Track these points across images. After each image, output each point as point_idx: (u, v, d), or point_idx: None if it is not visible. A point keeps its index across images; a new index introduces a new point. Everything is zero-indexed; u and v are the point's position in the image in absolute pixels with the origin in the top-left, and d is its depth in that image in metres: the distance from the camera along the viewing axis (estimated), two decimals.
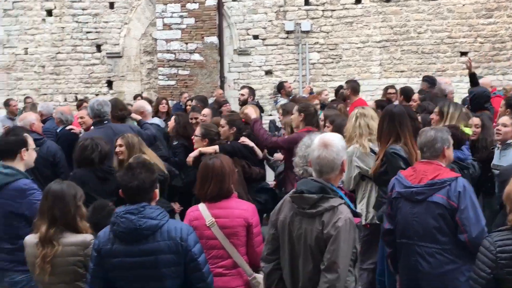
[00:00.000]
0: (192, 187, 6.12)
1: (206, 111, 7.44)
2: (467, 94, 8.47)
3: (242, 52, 14.35)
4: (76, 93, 14.41)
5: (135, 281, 3.27)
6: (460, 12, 13.98)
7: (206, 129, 6.10)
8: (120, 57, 14.46)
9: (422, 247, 3.96)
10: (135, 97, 13.39)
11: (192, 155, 5.95)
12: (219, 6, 13.82)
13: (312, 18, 14.21)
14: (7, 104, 11.63)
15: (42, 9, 14.44)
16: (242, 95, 9.97)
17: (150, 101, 9.28)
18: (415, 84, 13.69)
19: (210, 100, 12.62)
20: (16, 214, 4.23)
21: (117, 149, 5.52)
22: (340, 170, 3.34)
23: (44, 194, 3.67)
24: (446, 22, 14.03)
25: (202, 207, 3.92)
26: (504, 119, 5.70)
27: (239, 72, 14.47)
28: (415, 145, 4.85)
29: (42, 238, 3.49)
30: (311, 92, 11.23)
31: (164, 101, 9.85)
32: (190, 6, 13.49)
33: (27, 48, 14.48)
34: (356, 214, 3.31)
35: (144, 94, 13.88)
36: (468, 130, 5.55)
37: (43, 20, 14.44)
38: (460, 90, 11.92)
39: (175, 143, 6.91)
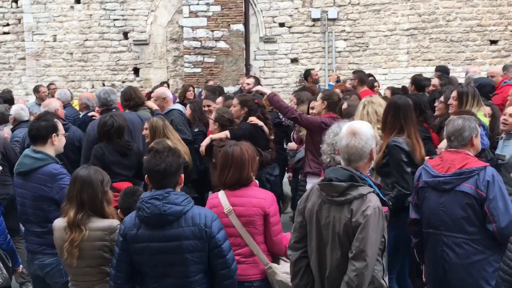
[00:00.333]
0: (205, 175, 6.14)
1: (219, 99, 7.48)
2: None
3: (268, 40, 14.30)
4: (103, 80, 14.54)
5: (159, 266, 3.31)
6: (491, 0, 13.72)
7: (218, 113, 6.13)
8: (147, 44, 14.53)
9: (449, 237, 3.92)
10: (161, 85, 13.48)
11: (204, 143, 6.00)
12: None
13: (339, 6, 14.09)
14: (36, 90, 11.78)
15: None
16: (248, 84, 10.01)
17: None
18: None
19: (236, 88, 12.69)
20: (46, 198, 4.29)
21: (143, 132, 5.93)
22: (369, 159, 3.31)
23: (72, 179, 3.72)
24: (476, 10, 13.78)
25: (221, 194, 3.93)
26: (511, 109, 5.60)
27: (264, 60, 14.43)
28: (419, 138, 4.86)
29: (70, 223, 3.55)
30: (338, 80, 11.16)
31: (191, 88, 9.94)
32: None
33: (55, 35, 14.63)
34: (384, 203, 3.30)
35: (170, 82, 13.99)
36: (484, 118, 5.49)
37: (71, 7, 14.56)
38: None
39: (195, 130, 6.98)
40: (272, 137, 6.43)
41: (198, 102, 7.82)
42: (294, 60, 14.35)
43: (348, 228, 3.16)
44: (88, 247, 3.55)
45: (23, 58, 14.86)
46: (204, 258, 3.31)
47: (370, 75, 11.35)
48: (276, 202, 4.04)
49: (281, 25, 14.27)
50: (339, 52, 14.25)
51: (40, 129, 4.44)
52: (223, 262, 3.35)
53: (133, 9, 14.48)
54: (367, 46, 14.13)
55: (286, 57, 14.36)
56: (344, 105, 6.15)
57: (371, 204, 3.15)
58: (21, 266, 4.67)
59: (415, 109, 5.75)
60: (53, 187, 4.26)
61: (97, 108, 7.04)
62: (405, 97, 5.30)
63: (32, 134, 4.51)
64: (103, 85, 14.09)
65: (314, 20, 14.17)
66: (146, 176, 3.45)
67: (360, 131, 3.28)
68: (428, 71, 12.55)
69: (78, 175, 3.65)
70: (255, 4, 14.20)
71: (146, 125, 5.96)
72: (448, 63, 13.77)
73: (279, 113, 7.51)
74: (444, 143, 4.93)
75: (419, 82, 8.51)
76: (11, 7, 14.94)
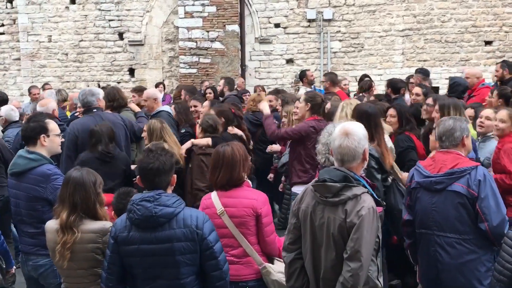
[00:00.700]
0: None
1: (205, 103, 7.49)
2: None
3: (263, 41, 14.30)
4: (99, 81, 14.52)
5: (151, 268, 3.30)
6: (485, 1, 13.75)
7: (204, 118, 6.11)
8: (142, 45, 14.51)
9: (442, 237, 3.94)
10: (156, 85, 13.47)
11: (185, 146, 5.97)
12: None
13: (334, 7, 14.10)
14: (28, 91, 11.76)
15: None
16: (219, 85, 10.05)
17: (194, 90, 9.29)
18: (438, 73, 13.63)
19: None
20: (40, 199, 4.28)
21: (143, 134, 5.99)
22: (362, 159, 3.31)
23: (64, 181, 3.70)
24: (471, 11, 13.81)
25: (214, 195, 3.93)
26: (488, 112, 5.62)
27: (260, 61, 14.43)
28: (387, 147, 4.91)
29: (63, 225, 3.53)
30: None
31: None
32: None
33: (50, 36, 14.59)
34: (378, 203, 3.30)
35: (166, 82, 13.98)
36: (473, 131, 5.52)
37: (67, 8, 14.53)
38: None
39: (182, 131, 6.99)
40: (251, 147, 6.39)
41: (182, 103, 7.83)
42: (290, 61, 14.36)
43: (343, 229, 3.17)
44: (81, 249, 3.54)
45: (18, 59, 14.82)
46: (196, 259, 3.31)
47: (366, 75, 11.39)
48: (268, 203, 4.02)
49: (277, 25, 14.27)
50: (335, 52, 14.26)
51: (28, 130, 4.44)
52: (215, 263, 3.35)
53: (128, 10, 14.47)
54: (362, 47, 14.15)
55: (282, 57, 14.36)
56: (328, 105, 6.15)
57: (365, 205, 3.16)
58: (14, 267, 4.66)
59: (399, 119, 5.82)
60: (46, 188, 4.25)
61: (78, 109, 7.00)
62: (374, 106, 5.32)
63: (23, 135, 4.54)
64: (98, 85, 14.06)
65: (310, 20, 14.18)
66: (138, 176, 3.44)
67: (353, 132, 3.28)
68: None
69: (70, 176, 3.64)
70: (250, 5, 14.20)
71: (144, 127, 6.01)
72: (443, 64, 13.82)
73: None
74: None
75: (395, 85, 8.68)
76: (6, 7, 14.90)
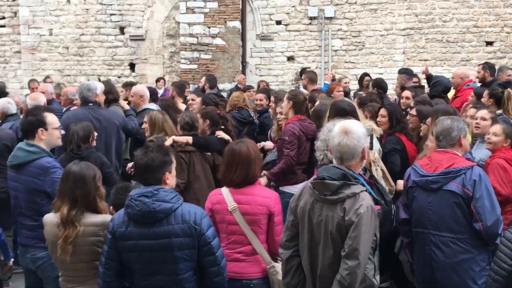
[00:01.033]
0: None
1: (198, 99, 7.46)
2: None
3: (264, 38, 14.31)
4: (99, 75, 14.51)
5: (149, 263, 3.29)
6: (487, 1, 13.76)
7: (181, 116, 6.04)
8: (143, 40, 14.51)
9: (437, 236, 3.96)
10: (157, 81, 13.48)
11: (167, 143, 5.84)
12: None
13: (336, 5, 14.10)
14: (28, 85, 11.76)
15: None
16: (200, 82, 10.09)
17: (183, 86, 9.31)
18: (439, 73, 13.56)
19: (232, 85, 12.69)
20: (39, 191, 4.29)
21: (143, 125, 6.00)
22: (360, 157, 3.31)
23: (64, 175, 3.69)
24: (473, 11, 13.82)
25: (225, 191, 3.91)
26: (483, 112, 5.55)
27: (261, 58, 14.44)
28: None
29: (64, 220, 3.53)
30: (333, 79, 11.17)
31: (187, 85, 9.98)
32: None
33: (51, 29, 14.59)
34: (377, 202, 3.30)
35: (166, 78, 13.98)
36: (469, 137, 5.48)
37: (68, 1, 14.53)
38: None
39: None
40: None
41: (167, 99, 7.82)
42: (291, 58, 14.36)
43: (341, 227, 3.16)
44: (82, 243, 3.54)
45: (19, 52, 14.82)
46: (194, 255, 3.31)
47: (366, 74, 11.39)
48: (280, 202, 4.00)
49: (278, 22, 14.28)
50: (336, 50, 14.26)
51: (26, 124, 4.46)
52: (212, 259, 3.34)
53: (130, 4, 14.46)
54: (364, 45, 14.15)
55: (283, 55, 14.37)
56: (317, 104, 6.14)
57: (364, 203, 3.16)
58: (12, 260, 4.68)
59: (389, 119, 5.82)
60: (45, 181, 4.26)
61: (76, 101, 7.02)
62: (351, 103, 5.30)
63: (22, 129, 4.56)
64: (99, 80, 14.06)
65: (311, 18, 14.18)
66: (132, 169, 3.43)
67: (353, 130, 3.28)
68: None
69: (70, 171, 3.63)
70: (252, 1, 14.20)
71: (145, 119, 6.00)
72: (444, 64, 13.83)
73: (251, 112, 7.69)
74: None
75: (381, 84, 8.77)
76: (7, 0, 14.88)
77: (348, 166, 3.28)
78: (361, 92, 9.26)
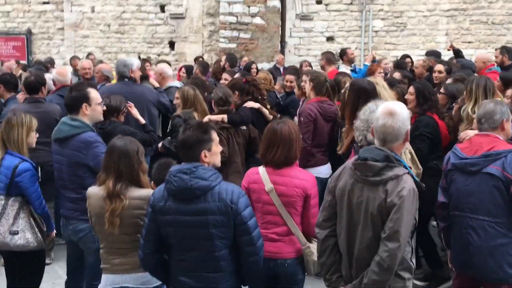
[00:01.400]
0: None
1: (226, 76, 7.53)
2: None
3: (304, 17, 14.19)
4: (139, 53, 14.65)
5: (185, 239, 3.33)
6: None
7: (215, 91, 6.10)
8: (183, 18, 14.55)
9: (474, 219, 3.90)
10: (195, 59, 13.55)
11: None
12: None
13: None
14: (70, 62, 11.97)
15: None
16: (221, 61, 10.14)
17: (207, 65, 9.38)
18: None
19: (270, 65, 12.64)
20: (81, 165, 4.38)
21: (174, 101, 6.06)
22: (403, 140, 3.29)
23: (108, 150, 3.75)
24: None
25: (262, 171, 3.90)
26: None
27: (300, 38, 14.34)
28: None
29: (110, 193, 3.59)
30: (374, 61, 11.02)
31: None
32: None
33: (93, 7, 14.77)
34: (417, 185, 3.27)
35: (205, 57, 14.02)
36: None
37: None
38: None
39: None
40: (271, 117, 6.24)
41: (196, 77, 7.84)
42: (330, 39, 14.22)
43: (382, 209, 3.15)
44: (127, 216, 3.61)
45: (62, 29, 15.06)
46: (229, 233, 3.32)
47: (407, 56, 11.20)
48: (317, 185, 3.98)
49: (318, 2, 14.13)
50: (376, 31, 14.06)
51: (70, 100, 4.54)
52: (248, 239, 3.35)
53: None
54: (405, 26, 13.90)
55: (322, 35, 14.24)
56: (347, 85, 6.07)
57: (407, 185, 3.13)
58: (54, 231, 4.82)
59: (417, 97, 5.60)
60: (88, 154, 4.35)
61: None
62: (371, 82, 5.12)
63: (65, 104, 4.63)
64: (139, 57, 14.22)
65: None
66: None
67: (398, 112, 3.24)
68: (467, 54, 12.28)
69: (114, 145, 3.69)
70: None
71: (177, 94, 6.04)
72: (488, 46, 13.47)
73: (277, 93, 7.70)
74: (468, 132, 4.86)
75: (402, 65, 8.95)
76: None
77: (390, 148, 3.25)
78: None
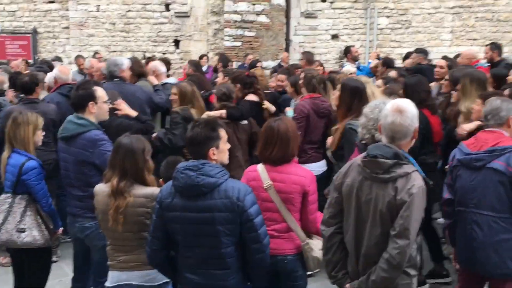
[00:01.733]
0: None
1: (220, 75, 7.54)
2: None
3: (309, 15, 14.18)
4: (145, 51, 14.69)
5: (191, 235, 3.34)
6: None
7: (218, 87, 6.13)
8: (188, 16, 14.57)
9: (478, 215, 3.91)
10: (200, 57, 13.58)
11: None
12: None
13: None
14: (76, 60, 12.01)
15: None
16: (214, 61, 10.12)
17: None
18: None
19: (275, 63, 12.66)
20: (87, 163, 4.39)
21: (171, 96, 6.03)
22: (411, 137, 3.29)
23: (114, 147, 3.78)
24: None
25: (261, 168, 3.92)
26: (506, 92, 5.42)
27: (305, 36, 14.33)
28: None
29: (114, 190, 3.62)
30: (378, 58, 11.03)
31: (229, 63, 10.08)
32: None
33: (99, 5, 14.80)
34: (426, 182, 3.28)
35: (210, 55, 14.04)
36: None
37: None
38: None
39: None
40: (274, 108, 6.32)
41: (193, 75, 7.81)
42: (335, 36, 14.21)
43: (392, 206, 3.14)
44: (131, 213, 3.63)
45: (67, 27, 15.10)
46: (236, 230, 3.33)
47: (411, 53, 11.18)
48: (315, 181, 4.00)
49: (323, 0, 14.11)
50: (381, 29, 14.04)
51: (77, 98, 4.56)
52: (255, 236, 3.36)
53: None
54: (410, 24, 13.88)
55: (327, 33, 14.23)
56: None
57: (416, 183, 3.13)
58: (61, 228, 4.84)
59: (405, 92, 5.53)
60: (94, 152, 4.36)
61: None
62: (359, 81, 5.18)
63: (72, 103, 4.64)
64: (144, 56, 14.25)
65: None
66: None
67: (407, 109, 3.24)
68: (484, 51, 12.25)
69: (120, 143, 3.72)
70: None
71: (174, 90, 6.03)
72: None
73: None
74: (469, 125, 4.86)
75: (390, 63, 8.85)
76: None
77: (399, 146, 3.24)
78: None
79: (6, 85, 7.46)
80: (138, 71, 6.99)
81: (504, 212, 3.85)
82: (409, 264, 3.23)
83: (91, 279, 4.63)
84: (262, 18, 13.42)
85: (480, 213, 3.91)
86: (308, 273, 4.16)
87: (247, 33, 13.47)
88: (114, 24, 14.80)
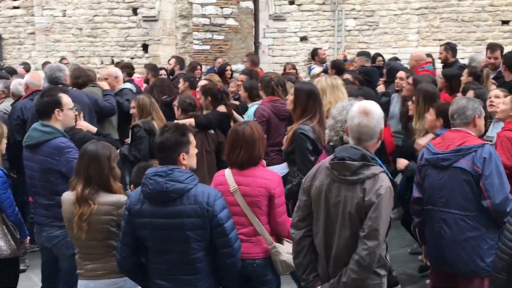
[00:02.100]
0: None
1: (181, 81, 7.52)
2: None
3: (277, 18, 14.21)
4: (112, 56, 14.52)
5: (161, 242, 3.33)
6: None
7: (180, 98, 6.10)
8: (156, 20, 14.46)
9: (446, 213, 3.98)
10: (169, 61, 13.48)
11: None
12: None
13: None
14: (42, 67, 11.81)
15: None
16: (169, 64, 10.14)
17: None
18: None
19: (243, 66, 12.65)
20: (53, 171, 4.34)
21: (131, 110, 6.05)
22: (378, 138, 3.31)
23: (80, 154, 3.75)
24: None
25: (228, 172, 3.93)
26: (496, 91, 5.53)
27: (273, 38, 14.35)
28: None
29: (79, 197, 3.59)
30: (345, 60, 11.11)
31: (199, 66, 10.02)
32: None
33: (65, 10, 14.57)
34: (393, 183, 3.31)
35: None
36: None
37: None
38: None
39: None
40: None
41: (160, 80, 7.97)
42: (304, 39, 14.27)
43: (360, 207, 3.16)
44: (96, 221, 3.60)
45: (33, 33, 14.85)
46: (206, 236, 3.32)
47: (379, 54, 11.31)
48: (282, 184, 4.02)
49: (291, 3, 14.16)
50: (349, 30, 14.14)
51: (42, 105, 4.49)
52: (225, 241, 3.36)
53: None
54: (377, 25, 14.02)
55: (295, 35, 14.27)
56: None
57: (384, 184, 3.16)
58: (28, 238, 4.76)
59: None
60: (60, 160, 4.31)
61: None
62: (311, 84, 5.31)
63: (37, 110, 4.58)
64: (112, 61, 14.12)
65: None
66: None
67: (373, 111, 3.27)
68: (438, 51, 12.43)
69: (86, 149, 3.70)
70: None
71: (132, 103, 6.02)
72: (459, 43, 13.61)
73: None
74: (423, 139, 4.91)
75: (339, 66, 8.79)
76: None
77: (365, 147, 3.27)
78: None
79: None
80: (82, 80, 6.87)
81: (471, 210, 3.92)
82: (379, 265, 3.25)
83: None
84: (231, 21, 13.39)
85: (448, 211, 3.98)
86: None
87: (216, 37, 13.42)
88: (81, 29, 14.61)
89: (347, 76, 7.64)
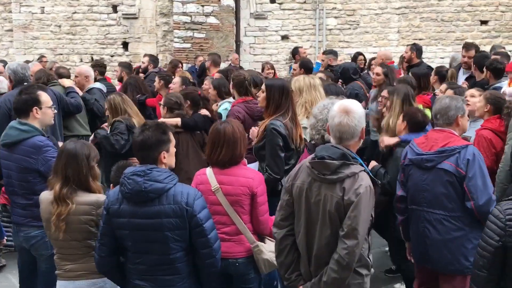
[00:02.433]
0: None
1: (176, 79, 7.43)
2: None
3: (258, 16, 14.19)
4: (92, 54, 14.38)
5: (140, 242, 3.30)
6: None
7: (166, 97, 6.05)
8: (136, 18, 14.35)
9: (431, 213, 4.01)
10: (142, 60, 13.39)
11: None
12: None
13: None
14: None
15: None
16: (143, 62, 10.16)
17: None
18: (433, 52, 13.60)
19: (225, 64, 12.62)
20: (31, 170, 4.28)
21: (106, 112, 5.97)
22: (359, 137, 3.31)
23: (58, 153, 3.71)
24: None
25: (209, 171, 3.91)
26: (472, 90, 5.58)
27: (255, 37, 14.34)
28: (299, 123, 4.92)
29: (56, 197, 3.54)
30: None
31: (180, 64, 9.96)
32: None
33: (43, 7, 14.39)
34: (373, 182, 3.31)
35: (160, 57, 13.87)
36: (428, 112, 5.43)
37: None
38: None
39: None
40: None
41: (134, 78, 7.95)
42: (285, 37, 14.27)
43: (340, 206, 3.16)
44: (75, 221, 3.55)
45: (11, 30, 14.64)
46: (185, 236, 3.30)
47: (360, 53, 11.36)
48: (264, 182, 4.01)
49: (272, 1, 14.16)
50: (330, 29, 14.18)
51: (20, 103, 4.42)
52: (205, 241, 3.33)
53: None
54: (358, 24, 14.08)
55: (277, 34, 14.28)
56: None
57: (363, 183, 3.16)
58: (5, 238, 4.68)
59: None
60: (38, 159, 4.25)
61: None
62: (281, 79, 5.35)
63: (15, 107, 4.52)
64: (92, 59, 13.96)
65: None
66: None
67: (353, 110, 3.26)
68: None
69: (64, 148, 3.65)
70: None
71: (106, 105, 5.96)
72: (438, 43, 13.79)
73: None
74: (390, 139, 4.91)
75: (307, 65, 8.78)
76: None
77: (347, 146, 3.26)
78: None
79: None
80: (42, 80, 6.78)
81: (454, 211, 3.94)
82: (360, 264, 3.26)
83: None
84: (212, 20, 13.35)
85: (432, 212, 4.00)
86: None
87: (196, 35, 13.37)
88: (59, 26, 14.42)
89: (319, 74, 7.66)
